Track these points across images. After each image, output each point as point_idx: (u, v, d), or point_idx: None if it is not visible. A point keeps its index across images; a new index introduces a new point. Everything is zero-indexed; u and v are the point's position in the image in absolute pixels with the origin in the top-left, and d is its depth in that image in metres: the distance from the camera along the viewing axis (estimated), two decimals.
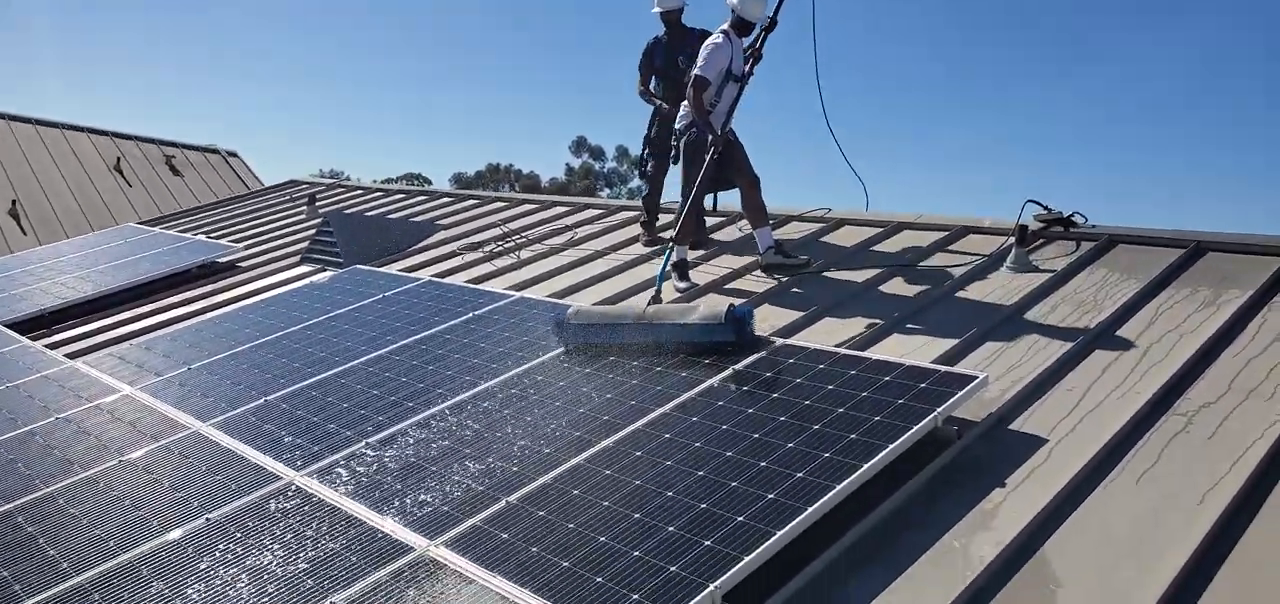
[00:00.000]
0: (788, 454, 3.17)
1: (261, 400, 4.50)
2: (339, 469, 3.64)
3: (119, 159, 17.94)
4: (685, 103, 5.72)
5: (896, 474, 3.17)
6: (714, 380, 3.86)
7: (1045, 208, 5.63)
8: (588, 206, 8.58)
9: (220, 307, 7.08)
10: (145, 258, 8.94)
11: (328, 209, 10.57)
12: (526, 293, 6.06)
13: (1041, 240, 5.52)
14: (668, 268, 5.43)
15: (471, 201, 9.83)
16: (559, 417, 3.78)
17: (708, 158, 5.38)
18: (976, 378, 3.49)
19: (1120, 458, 3.16)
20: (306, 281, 6.94)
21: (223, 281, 8.12)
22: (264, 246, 9.55)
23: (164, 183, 17.53)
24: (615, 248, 6.94)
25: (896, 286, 5.22)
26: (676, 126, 5.85)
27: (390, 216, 9.70)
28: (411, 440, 3.80)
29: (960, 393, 3.39)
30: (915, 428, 3.21)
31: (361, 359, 4.87)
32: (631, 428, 3.56)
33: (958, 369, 3.69)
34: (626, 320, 4.39)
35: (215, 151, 19.65)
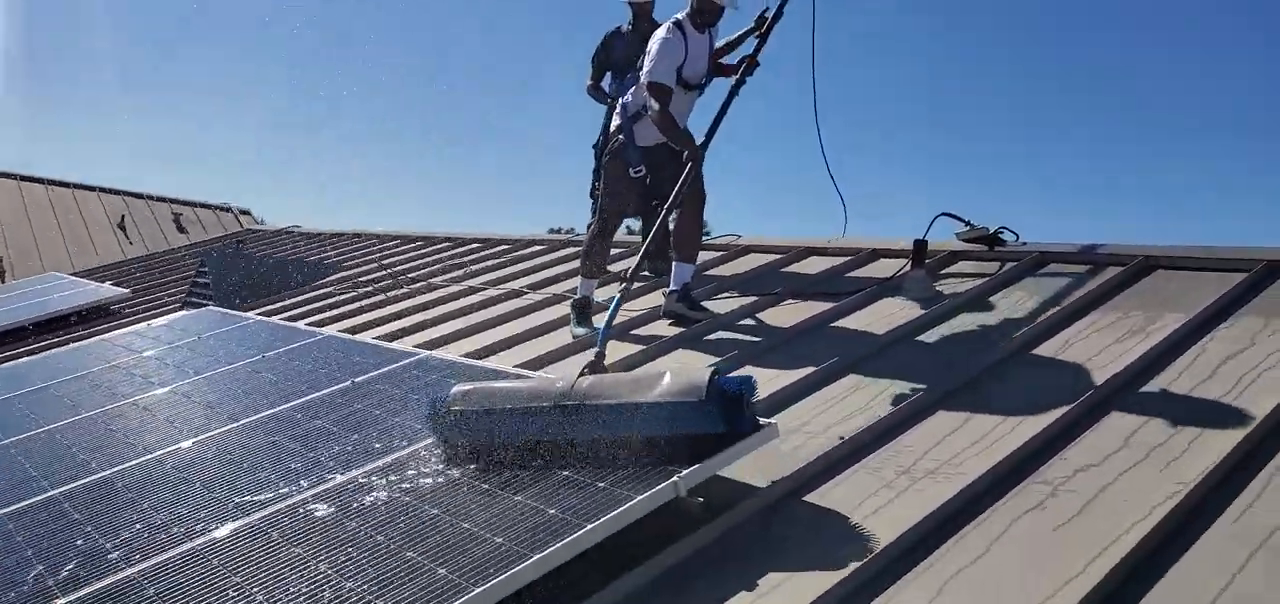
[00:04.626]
0: (456, 541, 2.20)
1: None
2: None
3: (123, 216, 17.61)
4: (618, 108, 4.60)
5: (610, 568, 2.17)
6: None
7: (966, 222, 4.57)
8: (532, 243, 7.31)
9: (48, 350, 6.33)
10: (32, 303, 8.30)
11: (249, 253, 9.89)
12: (366, 336, 5.18)
13: (957, 261, 4.48)
14: (611, 314, 3.58)
15: (418, 243, 8.91)
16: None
17: (686, 174, 4.10)
18: (760, 429, 2.48)
19: (931, 550, 2.12)
20: (132, 330, 6.14)
21: (96, 325, 7.44)
22: (169, 291, 8.88)
23: (167, 239, 17.14)
24: (543, 286, 6.01)
25: (771, 319, 4.21)
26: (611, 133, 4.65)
27: (309, 259, 8.96)
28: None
29: (721, 453, 2.38)
30: (633, 502, 2.20)
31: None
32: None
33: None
34: (544, 402, 2.69)
35: (227, 209, 19.28)
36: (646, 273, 5.05)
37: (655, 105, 4.25)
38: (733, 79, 4.25)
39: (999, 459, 2.41)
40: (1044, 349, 3.23)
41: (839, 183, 4.36)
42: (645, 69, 4.33)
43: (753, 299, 4.46)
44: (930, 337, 3.58)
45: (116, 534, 2.64)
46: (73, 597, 2.28)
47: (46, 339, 7.21)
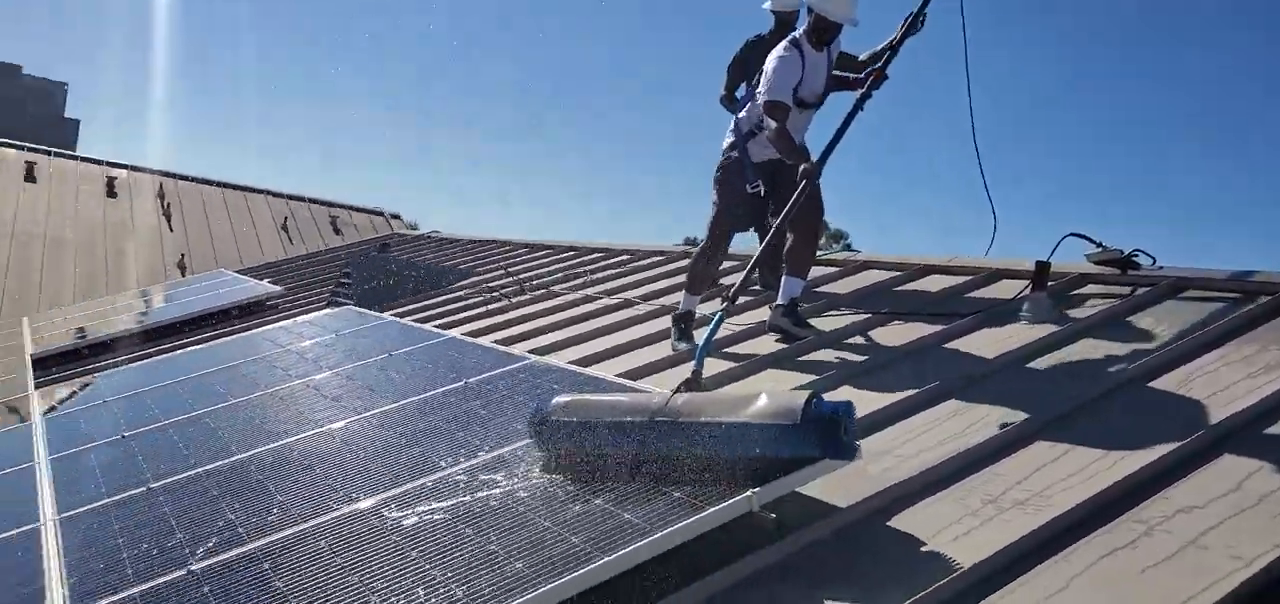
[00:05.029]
0: (536, 538, 2.31)
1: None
2: None
3: (286, 219, 19.12)
4: (731, 126, 4.65)
5: (683, 575, 2.23)
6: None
7: (1097, 243, 4.35)
8: (653, 254, 7.29)
9: (211, 340, 6.95)
10: (202, 297, 9.12)
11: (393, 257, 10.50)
12: (486, 340, 5.43)
13: (1085, 284, 4.27)
14: (711, 332, 3.70)
15: (545, 252, 9.19)
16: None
17: (798, 191, 4.07)
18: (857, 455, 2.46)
19: (1008, 580, 2.06)
20: (279, 325, 6.65)
21: (252, 320, 8.11)
22: (318, 290, 9.55)
23: (323, 240, 18.46)
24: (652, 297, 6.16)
25: (879, 339, 4.14)
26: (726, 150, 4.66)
27: (445, 264, 9.43)
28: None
29: (798, 472, 2.38)
30: (705, 513, 2.25)
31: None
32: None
33: None
34: (638, 417, 2.73)
35: (379, 213, 20.66)
36: (757, 285, 5.06)
37: (773, 124, 4.23)
38: (858, 92, 4.20)
39: (1094, 493, 2.31)
40: (1163, 382, 3.04)
41: (963, 200, 4.28)
42: (761, 88, 4.34)
43: (863, 317, 4.39)
44: (1042, 363, 3.43)
45: (245, 511, 2.91)
46: (205, 563, 2.54)
47: (210, 331, 7.92)
